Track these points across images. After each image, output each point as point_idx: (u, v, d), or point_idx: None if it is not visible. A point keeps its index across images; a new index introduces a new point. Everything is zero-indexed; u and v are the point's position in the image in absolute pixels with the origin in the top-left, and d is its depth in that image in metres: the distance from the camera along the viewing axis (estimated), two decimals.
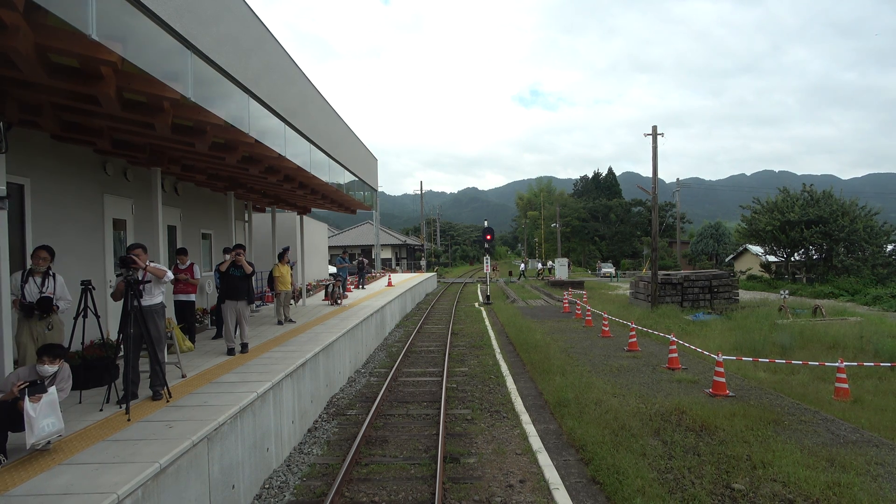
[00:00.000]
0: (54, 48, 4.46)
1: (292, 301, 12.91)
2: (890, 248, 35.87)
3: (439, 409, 8.35)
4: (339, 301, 16.49)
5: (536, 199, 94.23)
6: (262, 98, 7.52)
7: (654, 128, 22.83)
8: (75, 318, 5.73)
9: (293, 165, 9.36)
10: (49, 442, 4.36)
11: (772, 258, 40.60)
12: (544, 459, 6.44)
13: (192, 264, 9.32)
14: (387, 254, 58.62)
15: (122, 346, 5.76)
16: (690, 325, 17.70)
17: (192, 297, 9.40)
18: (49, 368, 4.73)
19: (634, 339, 13.33)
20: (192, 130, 6.94)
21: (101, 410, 5.54)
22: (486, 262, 29.80)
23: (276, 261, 12.22)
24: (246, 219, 15.55)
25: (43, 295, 5.60)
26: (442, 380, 10.15)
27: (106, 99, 5.37)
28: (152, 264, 6.25)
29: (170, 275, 6.38)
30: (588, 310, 18.59)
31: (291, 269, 12.51)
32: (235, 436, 5.40)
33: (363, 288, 23.87)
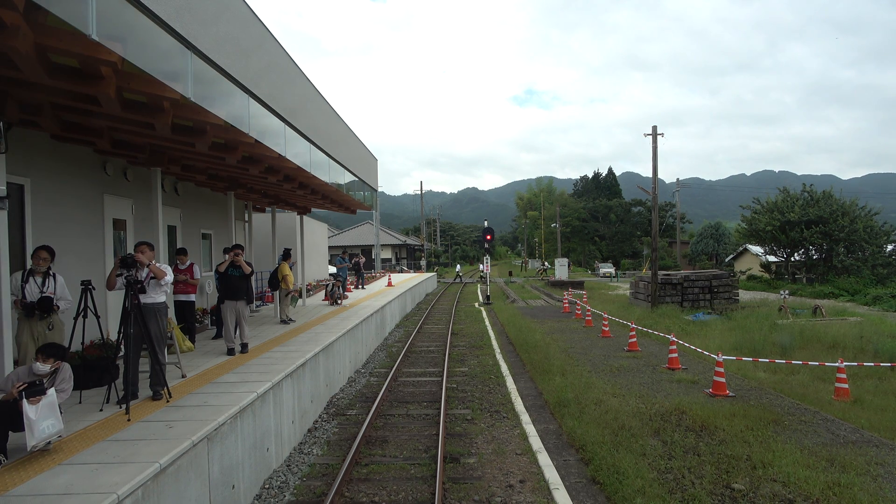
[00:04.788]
0: (54, 48, 4.46)
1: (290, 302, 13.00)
2: (890, 248, 35.87)
3: (439, 409, 8.35)
4: (339, 301, 16.49)
5: (536, 199, 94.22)
6: (262, 98, 7.51)
7: (654, 128, 22.86)
8: (75, 318, 5.73)
9: (293, 165, 9.36)
10: (49, 442, 4.35)
11: (772, 258, 40.61)
12: (544, 459, 6.44)
13: (191, 264, 9.32)
14: (387, 254, 58.63)
15: (122, 346, 5.76)
16: (690, 325, 17.70)
17: (192, 297, 9.40)
18: (41, 367, 4.73)
19: (634, 339, 13.33)
20: (192, 130, 6.94)
21: (101, 410, 5.53)
22: (486, 262, 29.78)
23: (282, 261, 12.33)
24: (246, 219, 15.55)
25: (43, 295, 5.60)
26: (442, 380, 10.15)
27: (106, 99, 5.37)
28: (156, 264, 6.25)
29: (168, 278, 6.35)
30: (588, 310, 18.59)
31: (291, 268, 12.61)
32: (235, 436, 5.40)
33: (363, 288, 23.86)
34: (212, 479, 4.85)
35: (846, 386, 9.18)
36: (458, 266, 55.95)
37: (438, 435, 7.10)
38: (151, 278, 6.15)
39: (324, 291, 17.92)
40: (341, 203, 16.84)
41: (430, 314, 22.19)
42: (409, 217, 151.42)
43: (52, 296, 5.66)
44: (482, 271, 53.37)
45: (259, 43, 7.76)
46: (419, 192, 64.61)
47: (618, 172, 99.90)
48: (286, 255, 12.43)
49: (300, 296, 16.18)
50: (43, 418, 4.23)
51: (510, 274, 58.75)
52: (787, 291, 23.44)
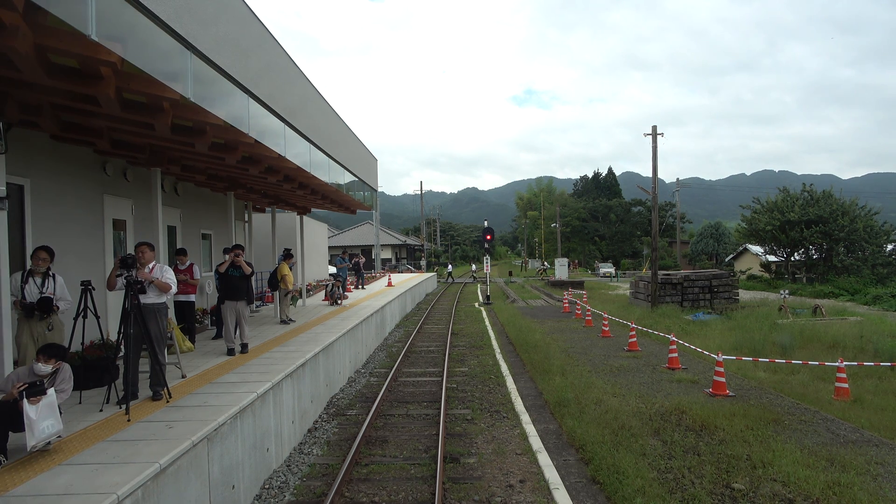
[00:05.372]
0: (54, 48, 4.46)
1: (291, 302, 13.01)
2: (890, 247, 35.90)
3: (439, 409, 8.35)
4: (339, 301, 16.49)
5: (536, 199, 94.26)
6: (261, 98, 7.52)
7: (654, 128, 22.87)
8: (75, 319, 5.73)
9: (293, 165, 9.36)
10: (49, 443, 4.36)
11: (772, 258, 40.63)
12: (544, 459, 6.44)
13: (191, 264, 9.31)
14: (387, 254, 58.66)
15: (122, 346, 5.76)
16: (690, 324, 17.70)
17: (192, 297, 9.40)
18: (43, 367, 4.73)
19: (634, 339, 13.33)
20: (192, 131, 6.94)
21: (101, 411, 5.53)
22: (487, 262, 29.76)
23: (282, 261, 12.34)
24: (246, 219, 15.55)
25: (43, 295, 5.60)
26: (442, 380, 10.15)
27: (106, 99, 5.37)
28: (160, 273, 6.23)
29: (173, 291, 6.42)
30: (588, 310, 18.59)
31: (291, 269, 12.63)
32: (235, 436, 5.40)
33: (363, 288, 23.87)
34: (212, 480, 4.85)
35: (846, 385, 9.18)
36: (450, 266, 56.06)
37: (438, 435, 7.10)
38: (151, 280, 6.16)
39: (324, 291, 17.92)
40: (341, 203, 16.84)
41: (430, 314, 22.19)
42: (409, 217, 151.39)
43: (52, 296, 5.65)
44: (474, 271, 53.60)
45: (259, 43, 7.76)
46: (419, 192, 64.63)
47: (618, 172, 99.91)
48: (286, 255, 12.45)
49: (300, 296, 16.19)
50: (43, 418, 4.23)
51: (510, 274, 58.92)
52: (787, 291, 23.44)
